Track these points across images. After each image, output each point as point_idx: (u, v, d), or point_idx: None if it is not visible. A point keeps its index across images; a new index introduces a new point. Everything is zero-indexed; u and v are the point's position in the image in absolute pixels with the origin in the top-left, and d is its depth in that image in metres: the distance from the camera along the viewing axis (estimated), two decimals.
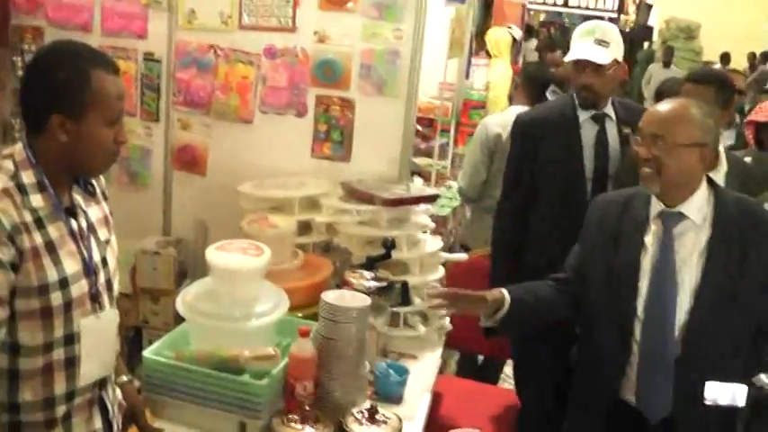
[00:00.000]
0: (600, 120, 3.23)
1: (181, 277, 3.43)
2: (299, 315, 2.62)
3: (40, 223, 1.74)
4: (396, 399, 2.51)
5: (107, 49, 3.22)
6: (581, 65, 3.18)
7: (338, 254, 3.04)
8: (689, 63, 16.94)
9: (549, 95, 5.10)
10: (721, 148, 2.94)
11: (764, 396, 1.87)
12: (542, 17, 15.92)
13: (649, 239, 2.41)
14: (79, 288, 1.80)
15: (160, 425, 2.23)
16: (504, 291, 2.53)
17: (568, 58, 3.25)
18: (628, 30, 16.55)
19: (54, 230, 1.76)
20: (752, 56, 15.32)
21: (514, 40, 7.68)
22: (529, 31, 13.41)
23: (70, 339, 1.81)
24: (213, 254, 2.36)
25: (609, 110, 3.25)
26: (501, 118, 4.36)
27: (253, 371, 2.25)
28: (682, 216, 2.37)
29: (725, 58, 15.40)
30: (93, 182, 1.95)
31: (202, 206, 3.47)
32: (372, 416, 2.26)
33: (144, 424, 2.18)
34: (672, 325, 2.34)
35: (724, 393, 2.13)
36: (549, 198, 3.23)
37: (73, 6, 3.40)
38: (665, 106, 2.41)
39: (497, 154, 4.15)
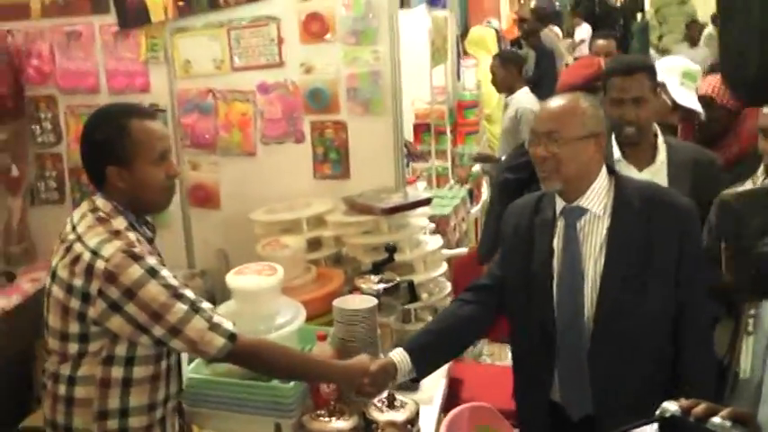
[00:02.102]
0: None
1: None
2: (319, 323, 2.90)
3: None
4: (413, 387, 2.77)
5: None
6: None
7: (348, 263, 3.32)
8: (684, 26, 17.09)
9: None
10: (660, 138, 2.91)
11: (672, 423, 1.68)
12: (533, 4, 16.13)
13: (557, 238, 2.37)
14: None
15: None
16: (395, 355, 2.43)
17: (684, 101, 3.34)
18: (619, 4, 16.75)
19: (152, 259, 2.07)
20: None
21: (497, 32, 7.99)
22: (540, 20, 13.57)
23: (170, 352, 2.16)
24: (232, 278, 2.65)
25: None
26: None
27: None
28: (582, 209, 2.32)
29: (716, 19, 15.48)
30: (150, 220, 2.27)
31: (221, 237, 3.74)
32: (391, 403, 2.52)
33: None
34: (582, 320, 2.30)
35: None
36: None
37: (80, 72, 3.71)
38: (554, 103, 2.35)
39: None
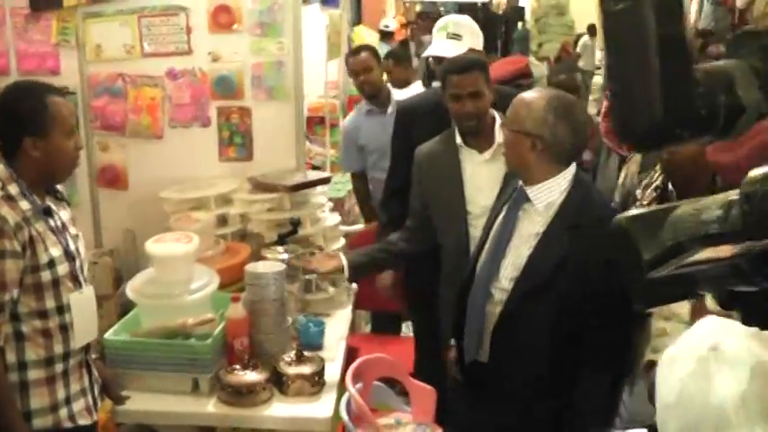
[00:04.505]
0: None
1: (118, 282, 3.82)
2: (229, 291, 3.11)
3: (27, 222, 2.25)
4: (317, 346, 3.02)
5: None
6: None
7: (253, 239, 3.55)
8: (563, 36, 17.91)
9: None
10: (498, 121, 3.04)
11: None
12: (418, 8, 16.60)
13: (504, 209, 2.60)
14: (63, 269, 2.32)
15: (126, 394, 2.71)
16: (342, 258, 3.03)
17: (425, 53, 3.67)
18: (501, 13, 17.42)
19: (38, 226, 2.28)
20: None
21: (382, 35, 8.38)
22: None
23: (61, 310, 2.33)
24: (152, 246, 2.86)
25: None
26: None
27: (197, 335, 2.75)
28: (527, 197, 2.50)
29: (591, 29, 16.33)
30: (61, 190, 2.45)
31: (128, 217, 3.86)
32: (299, 358, 2.80)
33: (116, 395, 2.68)
34: (487, 286, 2.52)
35: None
36: None
37: None
38: (523, 94, 2.54)
39: None
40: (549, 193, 2.47)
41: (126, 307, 3.41)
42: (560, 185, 2.47)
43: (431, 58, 3.91)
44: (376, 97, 4.63)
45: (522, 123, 2.45)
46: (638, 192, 2.71)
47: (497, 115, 3.07)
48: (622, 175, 3.22)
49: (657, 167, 2.73)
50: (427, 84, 5.96)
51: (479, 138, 3.06)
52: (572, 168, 2.51)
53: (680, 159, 2.48)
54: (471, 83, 3.00)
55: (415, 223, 3.18)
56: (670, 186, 2.63)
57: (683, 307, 1.94)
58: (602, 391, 2.47)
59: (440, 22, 3.75)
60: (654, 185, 2.69)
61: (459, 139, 3.10)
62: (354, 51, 4.81)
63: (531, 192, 2.49)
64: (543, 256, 2.45)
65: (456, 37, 3.58)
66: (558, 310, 2.43)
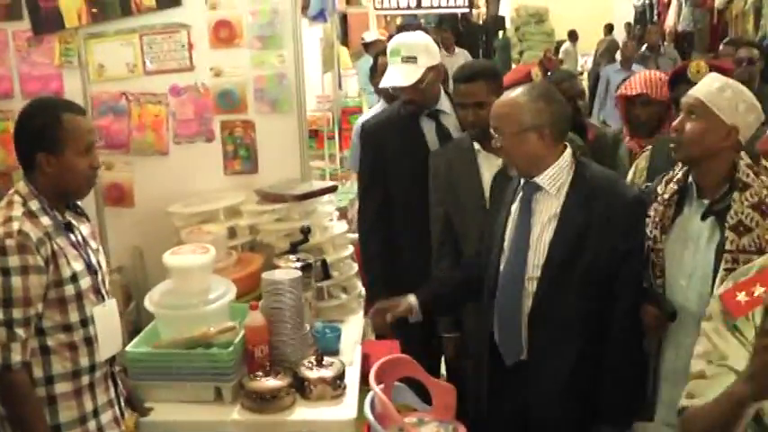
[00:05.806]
0: (434, 116, 3.60)
1: (127, 300, 3.85)
2: (244, 301, 3.14)
3: (49, 237, 2.27)
4: (334, 351, 3.06)
5: None
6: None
7: (263, 249, 3.59)
8: (543, 44, 18.12)
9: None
10: None
11: None
12: (399, 21, 16.69)
13: (515, 205, 2.71)
14: (85, 282, 2.35)
15: (149, 405, 2.74)
16: (411, 297, 2.97)
17: (382, 84, 3.61)
18: (481, 23, 17.56)
19: (60, 241, 2.30)
20: (607, 28, 16.29)
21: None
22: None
23: (85, 323, 2.36)
24: (170, 258, 2.89)
25: (444, 105, 3.53)
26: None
27: (218, 344, 2.79)
28: (538, 186, 2.60)
29: (572, 35, 16.54)
30: (80, 205, 2.49)
31: (135, 234, 3.88)
32: (320, 362, 2.83)
33: (140, 407, 2.71)
34: (521, 279, 2.62)
35: None
36: (405, 193, 3.55)
37: None
38: (499, 101, 2.64)
39: None
40: (559, 176, 2.59)
41: (136, 324, 3.46)
42: (564, 166, 2.60)
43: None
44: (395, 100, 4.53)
45: (520, 122, 2.55)
46: (660, 187, 2.74)
47: None
48: (631, 172, 3.25)
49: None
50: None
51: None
52: (569, 149, 2.63)
53: (687, 141, 2.53)
54: (475, 93, 3.07)
55: (448, 236, 3.24)
56: (690, 179, 2.65)
57: (739, 353, 1.68)
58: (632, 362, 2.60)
59: (391, 45, 3.62)
60: (675, 179, 2.72)
61: (477, 145, 3.13)
62: None
63: (542, 180, 2.60)
64: (565, 232, 2.56)
65: (411, 60, 3.49)
66: (587, 284, 2.53)
